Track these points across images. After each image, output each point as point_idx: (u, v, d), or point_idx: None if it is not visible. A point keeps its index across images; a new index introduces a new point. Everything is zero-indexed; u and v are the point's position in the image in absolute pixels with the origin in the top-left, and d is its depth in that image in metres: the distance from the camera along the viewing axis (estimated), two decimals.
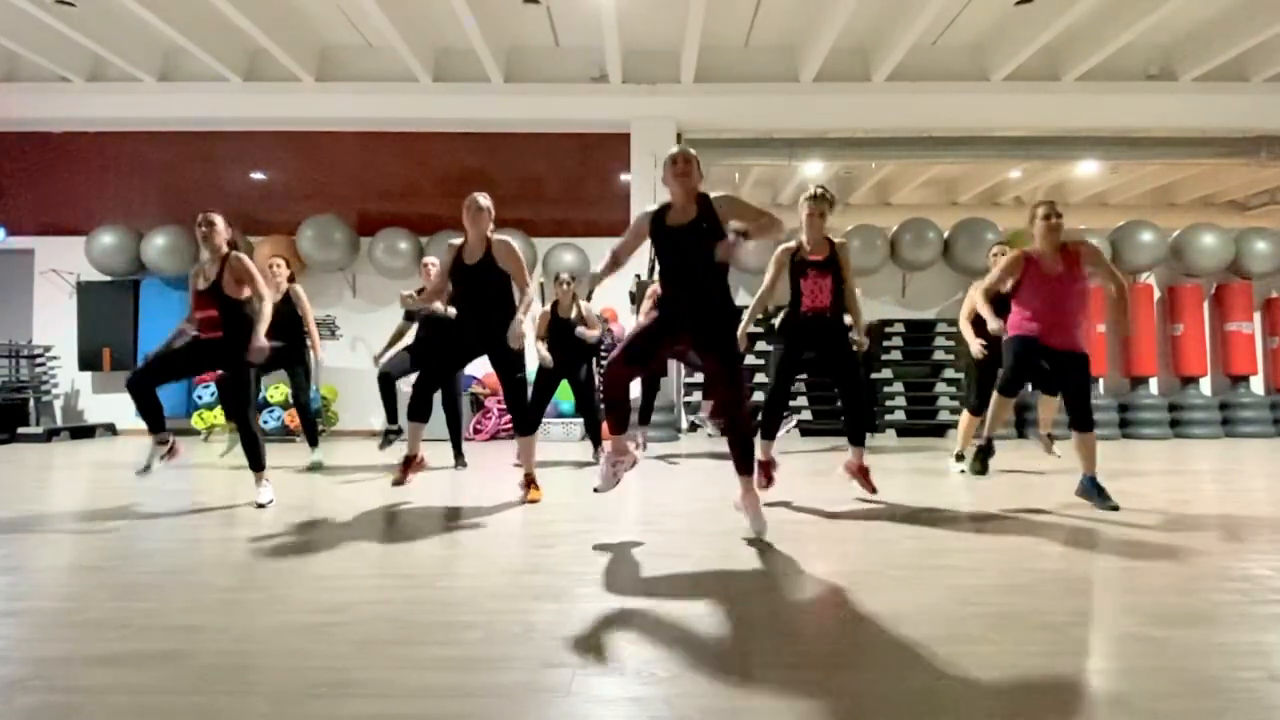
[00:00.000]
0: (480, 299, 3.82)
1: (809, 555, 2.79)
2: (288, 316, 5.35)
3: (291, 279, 5.62)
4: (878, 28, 7.85)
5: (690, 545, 2.89)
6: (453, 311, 4.25)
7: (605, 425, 3.19)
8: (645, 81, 8.47)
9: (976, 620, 2.00)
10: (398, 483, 3.83)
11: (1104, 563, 2.65)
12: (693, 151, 3.14)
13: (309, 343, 5.52)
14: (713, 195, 3.10)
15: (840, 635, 1.93)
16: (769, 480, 3.95)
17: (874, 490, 3.94)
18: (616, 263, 3.29)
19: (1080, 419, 3.76)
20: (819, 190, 3.93)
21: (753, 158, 9.44)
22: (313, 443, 5.58)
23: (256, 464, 3.83)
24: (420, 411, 3.81)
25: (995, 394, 4.13)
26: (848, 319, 4.03)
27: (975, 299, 4.87)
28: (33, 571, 2.55)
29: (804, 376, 7.77)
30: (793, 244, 3.99)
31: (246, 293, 3.86)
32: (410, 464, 3.84)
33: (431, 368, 3.89)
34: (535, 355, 5.63)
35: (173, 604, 2.16)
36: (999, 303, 4.53)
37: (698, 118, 8.55)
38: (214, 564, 2.60)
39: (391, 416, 5.46)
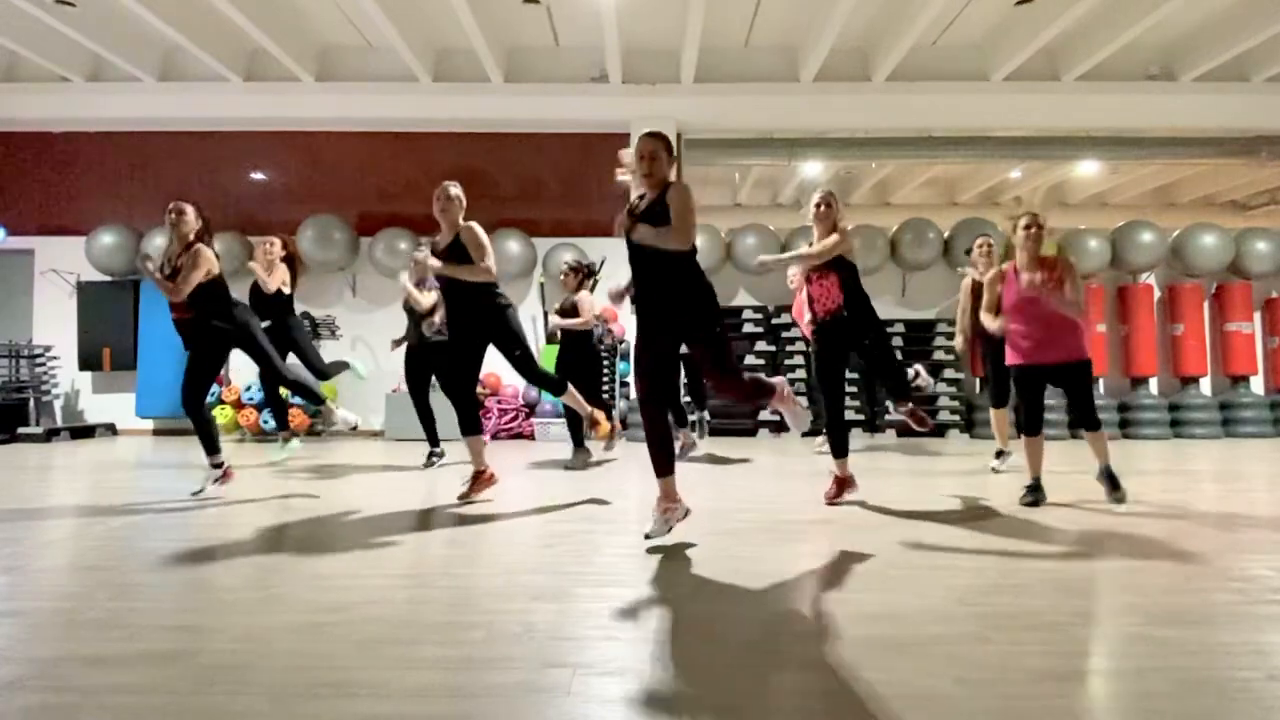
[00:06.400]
0: (456, 284, 3.80)
1: (808, 555, 2.79)
2: (272, 297, 5.39)
3: (286, 259, 5.60)
4: (878, 28, 7.83)
5: (690, 545, 2.89)
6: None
7: (653, 466, 2.97)
8: (645, 81, 8.46)
9: (976, 620, 2.00)
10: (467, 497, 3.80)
11: (1104, 563, 2.65)
12: (657, 139, 3.02)
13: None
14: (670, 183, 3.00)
15: (839, 635, 1.93)
16: (840, 492, 3.81)
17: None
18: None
19: (1088, 420, 3.77)
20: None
21: (753, 158, 9.43)
22: (282, 424, 5.62)
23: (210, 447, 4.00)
24: (476, 423, 3.81)
25: (1024, 437, 3.87)
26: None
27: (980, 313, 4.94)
28: (33, 571, 2.55)
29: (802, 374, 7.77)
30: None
31: (199, 278, 3.88)
32: (484, 478, 3.84)
33: (459, 371, 3.82)
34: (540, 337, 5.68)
35: (173, 604, 2.17)
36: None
37: (698, 118, 8.54)
38: (214, 564, 2.60)
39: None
